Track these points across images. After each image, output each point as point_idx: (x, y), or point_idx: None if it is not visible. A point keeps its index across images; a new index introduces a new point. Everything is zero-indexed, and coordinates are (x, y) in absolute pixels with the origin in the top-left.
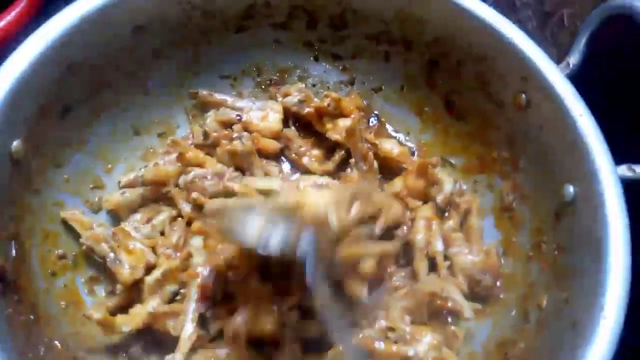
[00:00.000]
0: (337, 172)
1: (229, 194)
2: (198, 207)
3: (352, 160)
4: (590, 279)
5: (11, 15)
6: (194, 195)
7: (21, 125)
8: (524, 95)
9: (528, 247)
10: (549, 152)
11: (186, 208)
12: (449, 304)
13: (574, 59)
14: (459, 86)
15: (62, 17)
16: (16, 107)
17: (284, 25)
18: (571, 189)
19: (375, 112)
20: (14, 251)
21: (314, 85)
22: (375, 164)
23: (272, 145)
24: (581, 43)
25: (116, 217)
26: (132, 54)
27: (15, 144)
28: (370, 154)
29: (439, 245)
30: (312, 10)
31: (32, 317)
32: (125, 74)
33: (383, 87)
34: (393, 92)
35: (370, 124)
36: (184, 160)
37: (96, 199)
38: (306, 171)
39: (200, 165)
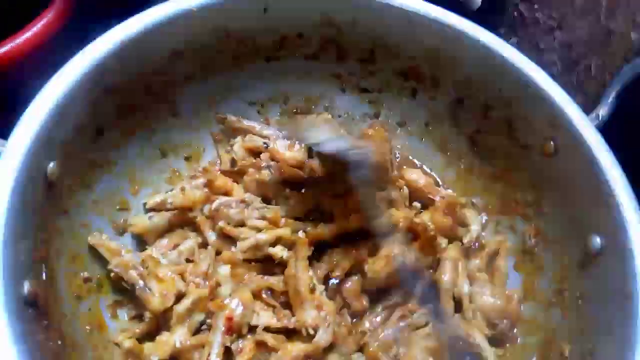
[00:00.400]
0: None
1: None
2: (224, 235)
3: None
4: (618, 333)
5: (38, 26)
6: (221, 224)
7: (57, 148)
8: (552, 143)
9: (550, 293)
10: (575, 200)
11: (212, 237)
12: (472, 349)
13: (603, 111)
14: (485, 127)
15: (103, 41)
16: (54, 129)
17: (314, 56)
18: (598, 239)
19: (398, 145)
20: (44, 274)
21: (339, 116)
22: (406, 189)
23: (298, 175)
24: (611, 96)
25: (141, 241)
26: (165, 78)
27: (51, 166)
28: (400, 180)
29: (465, 288)
30: (343, 44)
31: (59, 342)
32: (156, 97)
33: (407, 123)
34: (417, 128)
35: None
36: (212, 188)
37: (121, 221)
38: None
39: (227, 193)
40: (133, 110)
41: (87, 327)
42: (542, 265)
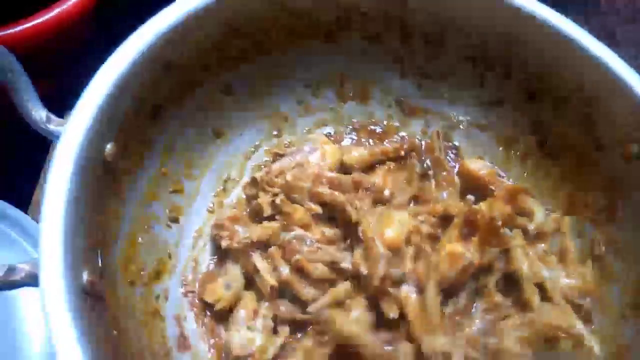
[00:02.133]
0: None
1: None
2: (298, 270)
3: (431, 172)
4: None
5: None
6: (298, 257)
7: (115, 127)
8: (636, 145)
9: (622, 306)
10: None
11: (284, 271)
12: (571, 337)
13: None
14: (559, 123)
15: (162, 16)
16: (113, 108)
17: (377, 36)
18: None
19: (456, 142)
20: (100, 261)
21: (396, 102)
22: (457, 178)
23: None
24: None
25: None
26: (222, 55)
27: (109, 146)
28: (448, 165)
29: (546, 273)
30: (409, 24)
31: (115, 332)
32: (212, 74)
33: (470, 113)
34: (482, 120)
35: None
36: (289, 220)
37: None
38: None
39: (304, 227)
40: (190, 88)
41: (142, 315)
42: (612, 274)
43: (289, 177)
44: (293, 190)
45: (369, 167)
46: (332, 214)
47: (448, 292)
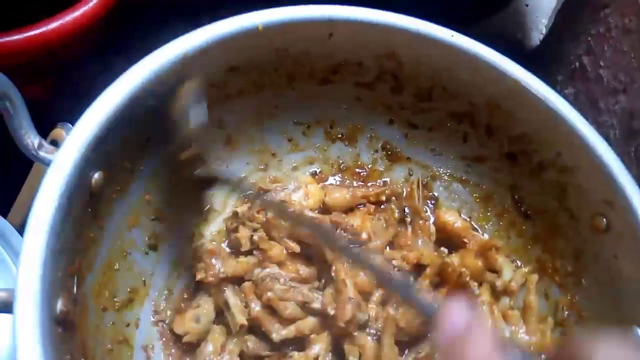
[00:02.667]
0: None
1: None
2: (268, 308)
3: (409, 219)
4: None
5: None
6: (270, 295)
7: (104, 158)
8: (604, 219)
9: None
10: (621, 284)
11: (256, 308)
12: None
13: None
14: (535, 188)
15: (164, 52)
16: (105, 139)
17: (369, 85)
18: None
19: (435, 193)
20: (75, 288)
21: (383, 148)
22: (433, 227)
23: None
24: None
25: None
26: (218, 92)
27: (97, 175)
28: (425, 214)
29: (506, 331)
30: (401, 79)
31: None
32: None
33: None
34: (462, 174)
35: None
36: (266, 256)
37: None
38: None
39: (280, 264)
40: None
41: (109, 343)
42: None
43: (270, 214)
44: (273, 227)
45: (350, 209)
46: (309, 253)
47: (412, 340)
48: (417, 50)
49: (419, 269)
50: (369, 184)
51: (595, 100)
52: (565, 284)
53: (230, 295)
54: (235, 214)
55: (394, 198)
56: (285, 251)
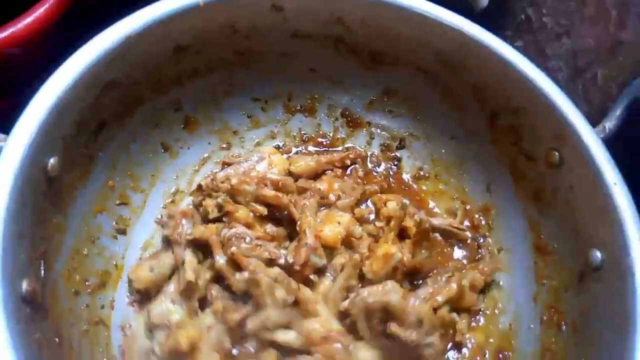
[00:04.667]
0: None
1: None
2: (233, 263)
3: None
4: (613, 353)
5: (39, 11)
6: (233, 249)
7: (58, 142)
8: (557, 153)
9: (548, 303)
10: (577, 213)
11: (220, 260)
12: None
13: (610, 124)
14: (493, 135)
15: (107, 35)
16: (56, 124)
17: (322, 54)
18: (598, 254)
19: (397, 154)
20: (42, 272)
21: (342, 116)
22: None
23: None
24: (619, 109)
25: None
26: (169, 72)
27: (52, 161)
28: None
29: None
30: (352, 45)
31: (57, 340)
32: (159, 92)
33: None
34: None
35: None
36: (232, 218)
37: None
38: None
39: (247, 225)
40: (136, 104)
41: (85, 324)
42: (541, 275)
43: (234, 181)
44: (238, 192)
45: (316, 175)
46: (280, 217)
47: None
48: (363, 12)
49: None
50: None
51: (543, 47)
52: (530, 224)
53: (188, 253)
54: (199, 187)
55: (358, 160)
56: (252, 214)
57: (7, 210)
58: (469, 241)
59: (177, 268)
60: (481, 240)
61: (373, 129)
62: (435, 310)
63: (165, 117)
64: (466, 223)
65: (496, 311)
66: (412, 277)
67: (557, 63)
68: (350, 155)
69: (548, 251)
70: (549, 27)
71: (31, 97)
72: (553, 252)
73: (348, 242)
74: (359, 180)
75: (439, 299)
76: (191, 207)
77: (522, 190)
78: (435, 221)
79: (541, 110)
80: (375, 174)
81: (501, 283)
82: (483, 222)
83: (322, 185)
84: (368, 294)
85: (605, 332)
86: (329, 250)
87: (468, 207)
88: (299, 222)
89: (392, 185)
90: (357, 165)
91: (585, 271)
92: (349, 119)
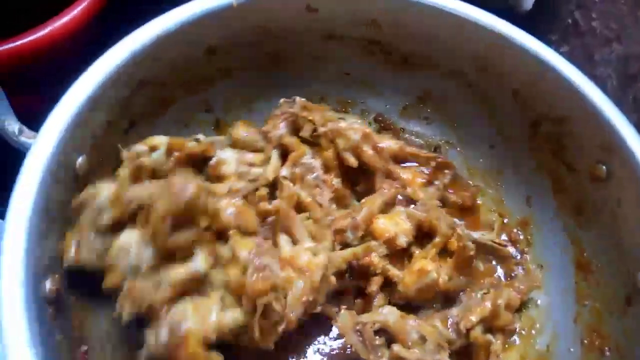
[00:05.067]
0: None
1: None
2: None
3: None
4: None
5: (74, 12)
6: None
7: (87, 141)
8: (603, 167)
9: (589, 326)
10: (624, 231)
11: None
12: None
13: None
14: (532, 144)
15: (140, 34)
16: (86, 122)
17: (356, 57)
18: None
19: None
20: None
21: (375, 121)
22: None
23: None
24: None
25: None
26: (200, 73)
27: (80, 160)
28: None
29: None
30: (386, 47)
31: (79, 340)
32: (190, 91)
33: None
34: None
35: None
36: (319, 148)
37: None
38: None
39: (326, 166)
40: (166, 104)
41: (108, 324)
42: (582, 295)
43: (342, 124)
44: (339, 134)
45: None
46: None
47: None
48: (398, 14)
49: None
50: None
51: (591, 53)
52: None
53: (275, 153)
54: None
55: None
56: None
57: (34, 207)
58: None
59: None
60: (518, 257)
61: (407, 136)
62: (468, 331)
63: (195, 117)
64: (503, 237)
65: (533, 331)
66: (445, 297)
67: (606, 70)
68: (439, 159)
69: (591, 270)
70: (598, 31)
71: (62, 94)
72: (596, 272)
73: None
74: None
75: (473, 318)
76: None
77: (564, 203)
78: (475, 234)
79: (586, 119)
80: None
81: (539, 302)
82: (521, 237)
83: (405, 174)
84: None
85: None
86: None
87: (506, 220)
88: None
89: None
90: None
91: (633, 293)
92: (383, 124)
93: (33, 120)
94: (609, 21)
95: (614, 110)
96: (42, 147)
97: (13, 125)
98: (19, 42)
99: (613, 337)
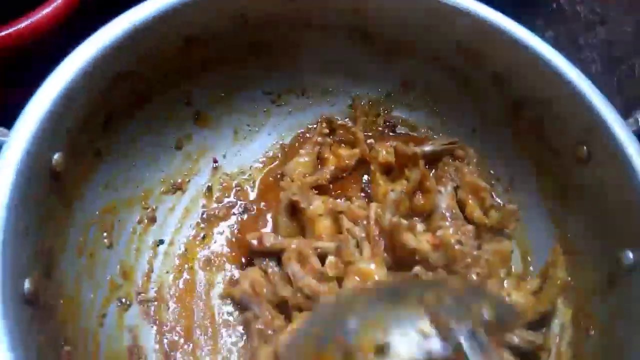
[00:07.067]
0: None
1: None
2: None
3: None
4: None
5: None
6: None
7: (64, 137)
8: (585, 148)
9: (575, 306)
10: (607, 211)
11: None
12: None
13: None
14: (515, 127)
15: (114, 26)
16: (62, 117)
17: (337, 46)
18: (631, 254)
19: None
20: (46, 270)
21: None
22: None
23: None
24: None
25: None
26: (179, 65)
27: (57, 156)
28: None
29: None
30: (369, 34)
31: (61, 342)
32: (169, 84)
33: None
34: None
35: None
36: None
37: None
38: None
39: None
40: (145, 98)
41: (94, 325)
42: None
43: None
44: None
45: None
46: None
47: None
48: (379, 0)
49: None
50: None
51: (575, 37)
52: (556, 222)
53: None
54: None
55: None
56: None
57: (8, 207)
58: None
59: None
60: None
61: (391, 121)
62: None
63: (175, 110)
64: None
65: None
66: None
67: (590, 54)
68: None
69: (575, 251)
70: (583, 15)
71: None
72: (580, 252)
73: None
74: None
75: None
76: None
77: (547, 185)
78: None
79: (568, 100)
80: None
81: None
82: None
83: None
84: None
85: (636, 337)
86: None
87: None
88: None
89: None
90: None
91: (615, 272)
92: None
93: (10, 116)
94: (593, 5)
95: (593, 90)
96: (15, 144)
97: None
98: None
99: (597, 317)
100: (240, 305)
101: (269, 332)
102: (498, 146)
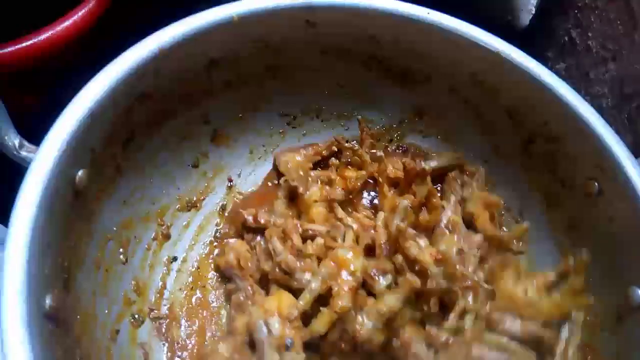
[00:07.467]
0: None
1: None
2: None
3: None
4: None
5: (77, 16)
6: None
7: (87, 155)
8: (596, 184)
9: (582, 341)
10: (616, 247)
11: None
12: None
13: None
14: (525, 161)
15: (140, 48)
16: (87, 136)
17: (354, 71)
18: (639, 292)
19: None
20: (65, 286)
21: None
22: None
23: None
24: None
25: None
26: (200, 86)
27: (80, 174)
28: None
29: None
30: (385, 62)
31: (79, 357)
32: (189, 104)
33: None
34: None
35: None
36: None
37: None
38: None
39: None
40: (165, 116)
41: (108, 341)
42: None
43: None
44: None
45: None
46: None
47: None
48: (396, 30)
49: None
50: None
51: (586, 71)
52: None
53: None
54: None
55: None
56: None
57: (34, 223)
58: None
59: None
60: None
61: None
62: None
63: (193, 129)
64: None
65: None
66: None
67: (601, 89)
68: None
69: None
70: (595, 50)
71: (62, 99)
72: (588, 287)
73: None
74: None
75: None
76: None
77: (556, 218)
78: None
79: (579, 137)
80: None
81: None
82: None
83: None
84: None
85: None
86: None
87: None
88: None
89: None
90: None
91: (624, 309)
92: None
93: (32, 124)
94: (605, 41)
95: (606, 128)
96: (42, 162)
97: (13, 140)
98: (21, 45)
99: (605, 352)
100: (225, 276)
101: (248, 303)
102: (509, 177)
